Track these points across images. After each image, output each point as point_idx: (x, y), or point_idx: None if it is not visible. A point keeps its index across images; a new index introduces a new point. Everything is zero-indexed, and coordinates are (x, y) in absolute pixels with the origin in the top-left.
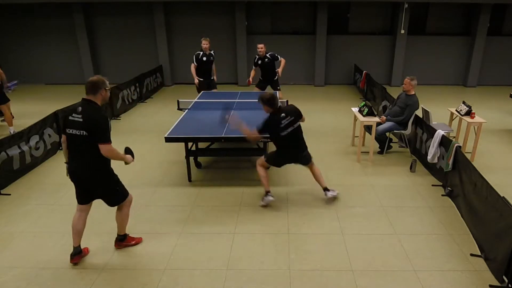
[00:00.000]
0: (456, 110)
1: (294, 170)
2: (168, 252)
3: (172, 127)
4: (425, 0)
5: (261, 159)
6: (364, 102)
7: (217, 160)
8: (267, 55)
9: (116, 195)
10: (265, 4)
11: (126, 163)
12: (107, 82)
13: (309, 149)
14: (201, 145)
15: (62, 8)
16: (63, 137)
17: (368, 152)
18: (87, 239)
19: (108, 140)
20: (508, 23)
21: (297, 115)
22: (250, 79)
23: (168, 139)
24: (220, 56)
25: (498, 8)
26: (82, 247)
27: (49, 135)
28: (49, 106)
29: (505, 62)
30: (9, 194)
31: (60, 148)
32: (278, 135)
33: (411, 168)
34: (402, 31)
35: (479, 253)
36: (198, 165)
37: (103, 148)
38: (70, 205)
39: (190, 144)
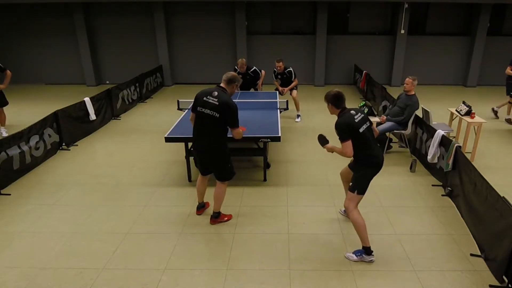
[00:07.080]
0: (456, 110)
1: (294, 170)
2: (168, 252)
3: (172, 127)
4: (425, 0)
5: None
6: (364, 102)
7: None
8: (285, 71)
9: (226, 170)
10: (265, 4)
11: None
12: (241, 81)
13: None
14: None
15: (62, 8)
16: (192, 115)
17: None
18: (88, 239)
19: (238, 125)
20: (508, 23)
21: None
22: (281, 88)
23: (168, 139)
24: (220, 56)
25: (498, 8)
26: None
27: (49, 135)
28: (49, 106)
29: (505, 62)
30: (9, 194)
31: (61, 148)
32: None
33: (411, 168)
34: (402, 31)
35: (479, 253)
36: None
37: (234, 131)
38: (70, 205)
39: (190, 144)
